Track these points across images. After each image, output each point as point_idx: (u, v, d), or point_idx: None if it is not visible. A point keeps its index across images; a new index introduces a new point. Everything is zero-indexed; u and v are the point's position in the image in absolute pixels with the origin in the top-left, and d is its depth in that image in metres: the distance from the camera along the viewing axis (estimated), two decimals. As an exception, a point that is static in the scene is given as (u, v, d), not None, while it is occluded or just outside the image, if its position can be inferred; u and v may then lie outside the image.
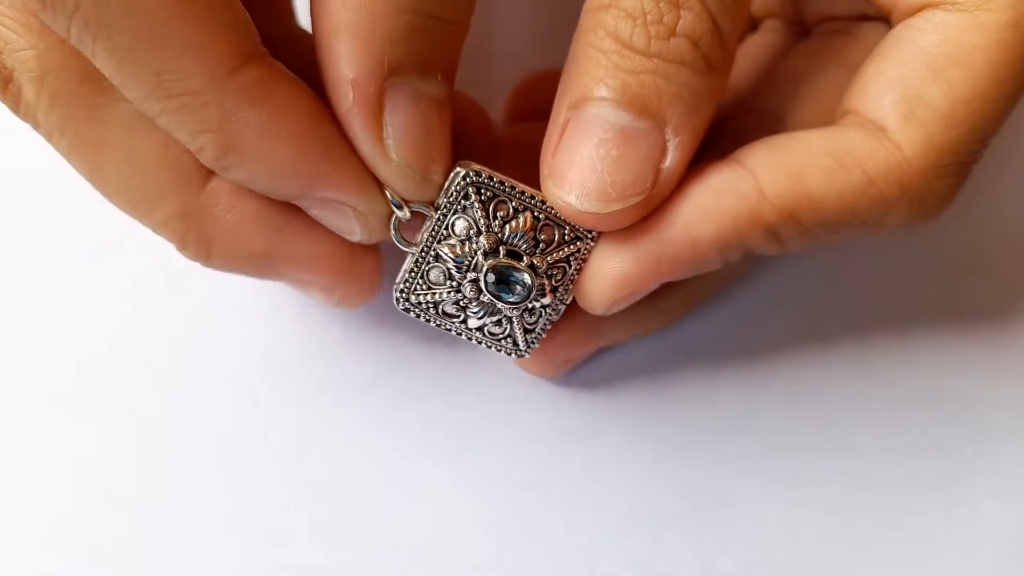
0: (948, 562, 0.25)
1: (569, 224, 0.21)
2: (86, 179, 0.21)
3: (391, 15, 0.18)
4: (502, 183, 0.20)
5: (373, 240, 0.21)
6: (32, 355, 0.26)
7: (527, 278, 0.21)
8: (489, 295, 0.21)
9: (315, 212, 0.21)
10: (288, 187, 0.20)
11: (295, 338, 0.27)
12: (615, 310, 0.21)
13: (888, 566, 0.25)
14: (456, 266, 0.21)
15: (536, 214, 0.21)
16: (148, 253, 0.27)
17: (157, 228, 0.22)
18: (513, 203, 0.21)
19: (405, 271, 0.21)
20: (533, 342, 0.22)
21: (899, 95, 0.20)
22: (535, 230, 0.21)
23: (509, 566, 0.25)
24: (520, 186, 0.21)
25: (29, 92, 0.20)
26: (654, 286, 0.21)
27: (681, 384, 0.27)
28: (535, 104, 0.27)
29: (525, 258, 0.21)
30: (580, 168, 0.19)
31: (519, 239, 0.21)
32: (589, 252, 0.21)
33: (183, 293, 0.27)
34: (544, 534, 0.25)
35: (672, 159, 0.20)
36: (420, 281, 0.21)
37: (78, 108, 0.20)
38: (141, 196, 0.21)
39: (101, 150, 0.20)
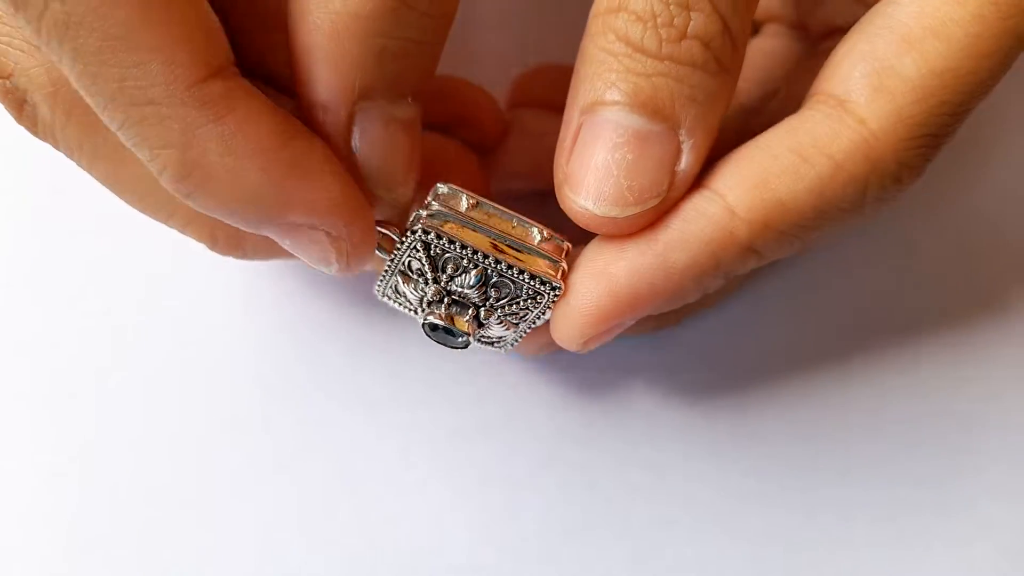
0: (944, 561, 0.25)
1: (529, 283, 0.20)
2: (109, 190, 0.21)
3: (362, 40, 0.18)
4: (452, 242, 0.20)
5: (351, 271, 0.20)
6: (28, 353, 0.26)
7: (461, 339, 0.21)
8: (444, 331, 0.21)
9: (287, 243, 0.20)
10: (256, 211, 0.19)
11: (292, 338, 0.27)
12: (591, 347, 0.21)
13: (884, 565, 0.25)
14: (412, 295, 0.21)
15: (488, 271, 0.20)
16: (145, 253, 0.27)
17: (183, 228, 0.21)
18: (464, 261, 0.20)
19: (382, 273, 0.21)
20: (513, 343, 0.22)
21: (870, 67, 0.19)
22: (486, 285, 0.21)
23: (505, 567, 0.25)
24: (473, 244, 0.20)
25: (44, 109, 0.20)
26: (631, 321, 0.21)
27: (678, 387, 0.27)
28: (537, 94, 0.27)
29: (472, 308, 0.21)
30: (596, 173, 0.19)
31: (467, 290, 0.21)
32: (554, 303, 0.21)
33: (181, 289, 0.27)
34: (541, 536, 0.25)
35: (687, 161, 0.19)
36: (390, 289, 0.22)
37: (92, 120, 0.20)
38: (164, 200, 0.21)
39: (119, 160, 0.20)
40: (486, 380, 0.26)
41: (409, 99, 0.19)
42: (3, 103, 0.20)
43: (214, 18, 0.18)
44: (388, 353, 0.26)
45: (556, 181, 0.20)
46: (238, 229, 0.21)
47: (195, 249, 0.22)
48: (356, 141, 0.19)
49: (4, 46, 0.19)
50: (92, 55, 0.17)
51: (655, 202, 0.20)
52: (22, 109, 0.20)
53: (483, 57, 0.29)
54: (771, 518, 0.25)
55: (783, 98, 0.25)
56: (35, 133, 0.20)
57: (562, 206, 0.20)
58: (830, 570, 0.25)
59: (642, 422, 0.26)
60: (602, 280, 0.20)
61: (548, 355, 0.26)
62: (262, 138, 0.18)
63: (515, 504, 0.25)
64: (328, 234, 0.19)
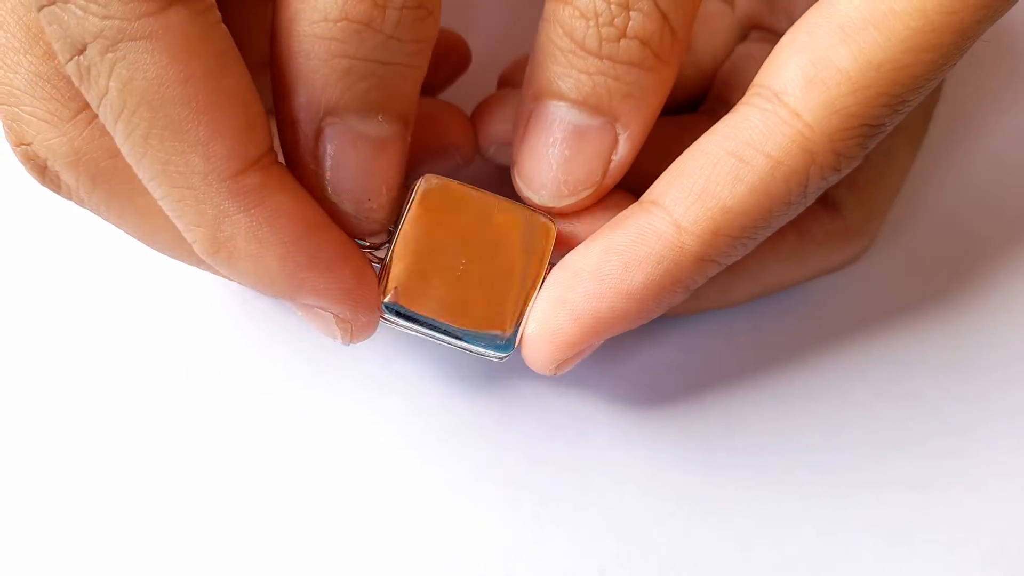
0: (930, 561, 0.25)
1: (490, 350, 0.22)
2: (140, 241, 0.22)
3: (326, 60, 0.19)
4: (417, 318, 0.21)
5: (353, 342, 0.22)
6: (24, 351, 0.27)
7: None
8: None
9: (299, 313, 0.22)
10: (273, 291, 0.20)
11: (284, 334, 0.27)
12: (563, 371, 0.22)
13: (870, 566, 0.25)
14: None
15: (453, 340, 0.21)
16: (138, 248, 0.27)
17: (214, 266, 0.22)
18: (432, 332, 0.21)
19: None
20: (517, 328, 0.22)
21: (806, 59, 0.19)
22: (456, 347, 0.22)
23: (497, 564, 0.25)
24: (438, 320, 0.21)
25: (68, 177, 0.21)
26: (599, 342, 0.21)
27: (673, 385, 0.27)
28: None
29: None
30: (539, 167, 0.21)
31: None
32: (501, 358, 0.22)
33: (174, 284, 0.28)
34: (533, 533, 0.25)
35: (622, 151, 0.21)
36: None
37: (118, 183, 0.21)
38: (189, 248, 0.21)
39: (150, 215, 0.21)
40: (478, 376, 0.27)
41: (381, 117, 0.20)
42: (25, 167, 0.21)
43: (259, 106, 0.19)
44: (378, 349, 0.27)
45: (511, 162, 0.22)
46: (264, 278, 0.21)
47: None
48: (324, 163, 0.20)
49: (27, 116, 0.20)
50: (140, 138, 0.18)
51: (589, 192, 0.21)
52: (44, 174, 0.21)
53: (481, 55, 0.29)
54: (763, 515, 0.25)
55: None
56: (59, 194, 0.22)
57: (514, 185, 0.22)
58: (820, 567, 0.25)
59: (636, 418, 0.26)
60: (563, 308, 0.21)
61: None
62: (285, 231, 0.19)
63: (507, 501, 0.25)
64: (336, 316, 0.21)
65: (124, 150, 0.19)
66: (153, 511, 0.25)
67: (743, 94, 0.25)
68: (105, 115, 0.18)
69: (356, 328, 0.21)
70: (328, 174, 0.20)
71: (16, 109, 0.20)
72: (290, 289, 0.20)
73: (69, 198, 0.22)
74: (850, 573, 0.25)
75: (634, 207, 0.21)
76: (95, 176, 0.21)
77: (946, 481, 0.26)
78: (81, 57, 0.18)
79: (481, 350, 0.21)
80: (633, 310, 0.20)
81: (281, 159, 0.20)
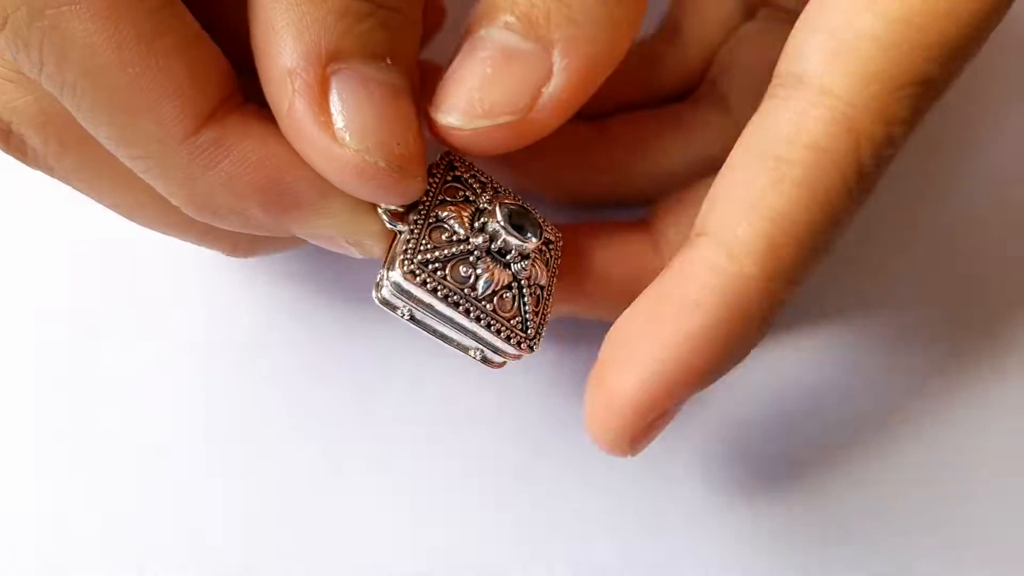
0: (936, 560, 0.25)
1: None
2: (117, 213, 0.21)
3: (322, 2, 0.17)
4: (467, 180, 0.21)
5: (374, 255, 0.20)
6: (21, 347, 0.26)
7: (539, 219, 0.20)
8: (505, 233, 0.20)
9: (317, 243, 0.20)
10: (272, 231, 0.19)
11: (281, 328, 0.27)
12: (641, 448, 0.19)
13: (876, 564, 0.25)
14: (462, 219, 0.20)
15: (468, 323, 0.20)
16: (133, 244, 0.27)
17: (199, 241, 0.21)
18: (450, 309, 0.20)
19: (405, 240, 0.20)
20: (541, 327, 0.21)
21: (825, 34, 0.17)
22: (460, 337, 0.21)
23: (494, 559, 0.24)
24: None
25: (35, 140, 0.19)
26: (677, 407, 0.19)
27: None
28: None
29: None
30: (456, 86, 0.19)
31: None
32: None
33: (170, 279, 0.27)
34: (531, 529, 0.25)
35: (556, 83, 0.19)
36: (424, 242, 0.20)
37: (91, 146, 0.19)
38: (175, 216, 0.20)
39: (127, 182, 0.20)
40: (476, 369, 0.25)
41: (388, 62, 0.18)
42: None
43: (209, 53, 0.18)
44: (376, 341, 0.26)
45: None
46: (255, 238, 0.21)
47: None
48: (336, 112, 0.18)
49: None
50: (87, 110, 0.17)
51: (507, 119, 0.19)
52: (8, 139, 0.19)
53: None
54: (762, 512, 0.25)
55: None
56: (25, 163, 0.20)
57: (428, 122, 0.20)
58: (821, 566, 0.25)
59: None
60: (624, 373, 0.18)
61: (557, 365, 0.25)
62: (260, 178, 0.18)
63: (504, 496, 0.25)
64: (344, 239, 0.20)
65: (80, 121, 0.18)
66: (152, 508, 0.25)
67: (739, 79, 0.24)
68: (50, 88, 0.17)
69: (367, 242, 0.20)
70: (343, 124, 0.18)
71: None
72: (289, 226, 0.19)
73: (36, 166, 0.20)
74: (851, 572, 0.25)
75: (684, 244, 0.19)
76: (65, 139, 0.19)
77: (951, 479, 0.25)
78: (7, 30, 0.16)
79: (497, 342, 0.20)
80: (704, 358, 0.18)
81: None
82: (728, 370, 0.18)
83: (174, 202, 0.18)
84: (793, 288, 0.18)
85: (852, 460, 0.26)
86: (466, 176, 0.21)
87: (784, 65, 0.18)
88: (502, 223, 0.20)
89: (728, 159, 0.18)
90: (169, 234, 0.21)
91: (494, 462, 0.25)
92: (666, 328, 0.17)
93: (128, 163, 0.18)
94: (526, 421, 0.26)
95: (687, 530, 0.25)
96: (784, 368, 0.26)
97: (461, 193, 0.21)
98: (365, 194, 0.18)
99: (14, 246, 0.28)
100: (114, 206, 0.21)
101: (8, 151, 0.20)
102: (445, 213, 0.20)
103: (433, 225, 0.20)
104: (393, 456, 0.25)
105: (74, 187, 0.20)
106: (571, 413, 0.26)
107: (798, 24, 0.18)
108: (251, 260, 0.27)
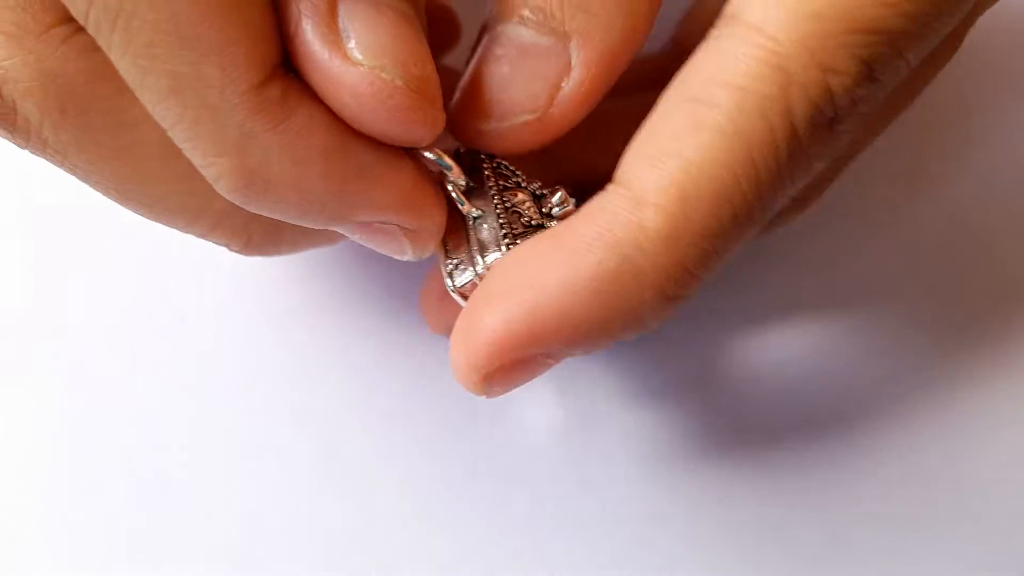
0: (935, 558, 0.23)
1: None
2: (112, 197, 0.19)
3: None
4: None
5: (425, 256, 0.19)
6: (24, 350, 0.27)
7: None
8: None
9: (356, 236, 0.18)
10: (324, 214, 0.17)
11: (278, 326, 0.27)
12: (496, 391, 0.17)
13: (875, 562, 0.24)
14: (533, 204, 0.20)
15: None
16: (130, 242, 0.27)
17: (208, 234, 0.19)
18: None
19: (498, 223, 0.19)
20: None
21: None
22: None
23: (493, 562, 0.24)
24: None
25: (29, 107, 0.17)
26: (544, 359, 0.17)
27: (671, 380, 0.26)
28: None
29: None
30: (471, 90, 0.18)
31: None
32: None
33: (170, 287, 0.27)
34: (531, 531, 0.24)
35: (575, 77, 0.18)
36: (515, 226, 0.19)
37: (96, 114, 0.17)
38: (186, 200, 0.19)
39: (135, 158, 0.18)
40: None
41: None
42: None
43: (269, 8, 0.16)
44: (374, 341, 0.26)
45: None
46: (275, 227, 0.19)
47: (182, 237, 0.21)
48: (347, 32, 0.16)
49: None
50: (143, 48, 0.15)
51: (528, 117, 0.18)
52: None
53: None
54: (764, 513, 0.24)
55: None
56: (12, 135, 0.17)
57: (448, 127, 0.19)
58: (823, 566, 0.24)
59: (635, 415, 0.25)
60: (496, 304, 0.17)
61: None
62: (323, 143, 0.16)
63: (504, 498, 0.25)
64: (400, 227, 0.18)
65: (123, 67, 0.15)
66: (152, 508, 0.25)
67: None
68: (97, 24, 0.15)
69: (425, 235, 0.18)
70: (354, 41, 0.16)
71: None
72: (343, 208, 0.17)
73: (25, 140, 0.17)
74: (851, 572, 0.24)
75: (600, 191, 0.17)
76: (66, 105, 0.17)
77: (953, 477, 0.25)
78: None
79: None
80: (582, 311, 0.16)
81: None
82: (613, 338, 0.17)
83: (212, 173, 0.16)
84: (706, 258, 0.16)
85: (854, 460, 0.25)
86: (500, 164, 0.20)
87: (724, 10, 0.16)
88: (575, 205, 0.19)
89: (659, 103, 0.17)
90: (174, 224, 0.19)
91: (491, 463, 0.25)
92: (549, 269, 0.16)
93: (170, 119, 0.16)
94: (524, 422, 0.25)
95: (688, 530, 0.24)
96: (784, 368, 0.26)
97: (512, 180, 0.20)
98: (385, 126, 0.17)
99: (14, 246, 0.28)
100: (115, 188, 0.18)
101: (8, 122, 0.17)
102: (518, 197, 0.19)
103: (511, 209, 0.19)
104: (393, 456, 0.25)
105: (68, 166, 0.18)
106: (570, 415, 0.25)
107: None
108: (252, 260, 0.26)
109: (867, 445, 0.25)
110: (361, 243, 0.19)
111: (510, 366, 0.17)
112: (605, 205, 0.16)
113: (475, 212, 0.19)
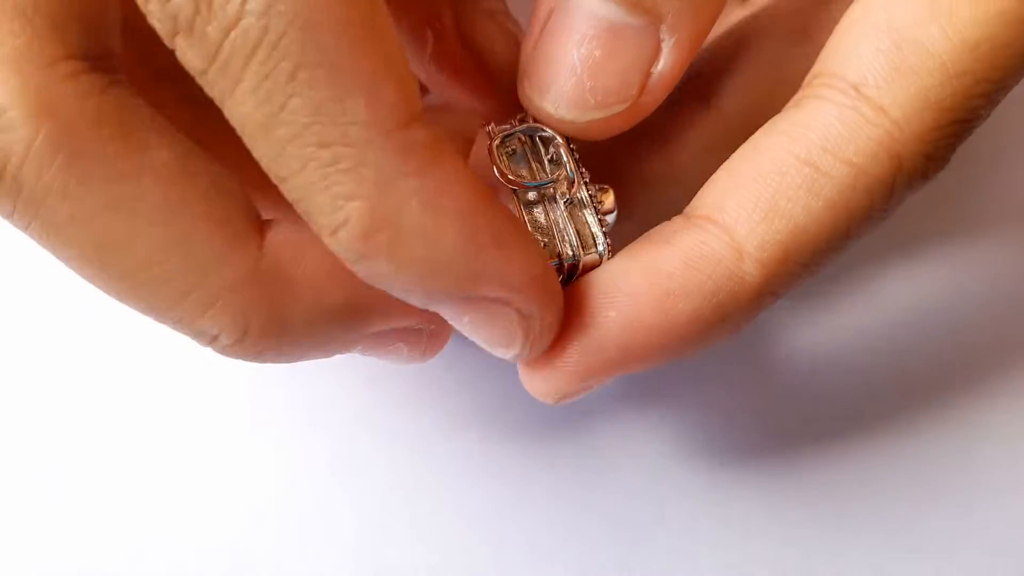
0: (936, 560, 0.24)
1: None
2: (88, 266, 0.16)
3: None
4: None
5: (532, 355, 0.17)
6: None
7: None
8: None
9: (465, 320, 0.16)
10: (445, 281, 0.15)
11: None
12: (565, 402, 0.18)
13: (876, 563, 0.24)
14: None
15: None
16: None
17: (203, 312, 0.16)
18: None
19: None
20: None
21: (886, 40, 0.16)
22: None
23: (493, 564, 0.24)
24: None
25: (12, 139, 0.15)
26: (610, 379, 0.18)
27: (673, 382, 0.25)
28: None
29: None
30: (558, 69, 0.17)
31: None
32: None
33: None
34: (531, 534, 0.24)
35: (665, 62, 0.17)
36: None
37: (95, 157, 0.15)
38: (180, 270, 0.16)
39: (126, 212, 0.15)
40: (476, 371, 0.25)
41: None
42: None
43: (407, 57, 0.15)
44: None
45: (519, 74, 0.18)
46: (280, 318, 0.17)
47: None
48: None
49: None
50: (283, 79, 0.13)
51: (621, 107, 0.17)
52: None
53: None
54: (765, 515, 0.24)
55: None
56: None
57: (521, 101, 0.18)
58: (822, 567, 0.24)
59: (636, 417, 0.25)
60: (587, 334, 0.17)
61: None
62: (467, 198, 0.15)
63: (504, 501, 0.24)
64: (519, 312, 0.16)
65: (250, 103, 0.14)
66: (152, 510, 0.24)
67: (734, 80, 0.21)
68: (230, 54, 0.13)
69: (541, 329, 0.17)
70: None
71: None
72: (470, 276, 0.15)
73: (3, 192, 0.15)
74: (855, 569, 0.24)
75: (681, 219, 0.17)
76: (60, 143, 0.15)
77: (954, 479, 0.25)
78: None
79: None
80: (669, 347, 0.17)
81: None
82: (671, 360, 0.18)
83: (335, 219, 0.14)
84: (771, 303, 0.17)
85: (855, 461, 0.25)
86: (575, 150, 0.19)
87: (835, 63, 0.16)
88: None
89: (755, 141, 0.17)
90: (154, 302, 0.16)
91: (491, 466, 0.25)
92: (649, 310, 0.17)
93: (299, 162, 0.14)
94: (525, 425, 0.25)
95: (688, 531, 0.24)
96: (785, 368, 0.26)
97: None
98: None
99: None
100: (93, 252, 0.16)
101: None
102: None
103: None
104: (392, 456, 0.25)
105: (40, 223, 0.15)
106: (570, 417, 0.25)
107: (855, 13, 0.17)
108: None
109: (861, 445, 0.25)
110: (466, 329, 0.17)
111: (588, 389, 0.18)
112: (706, 250, 0.17)
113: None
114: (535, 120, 0.18)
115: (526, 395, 0.24)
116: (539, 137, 0.19)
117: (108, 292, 0.16)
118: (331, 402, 0.25)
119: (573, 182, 0.18)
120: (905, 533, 0.24)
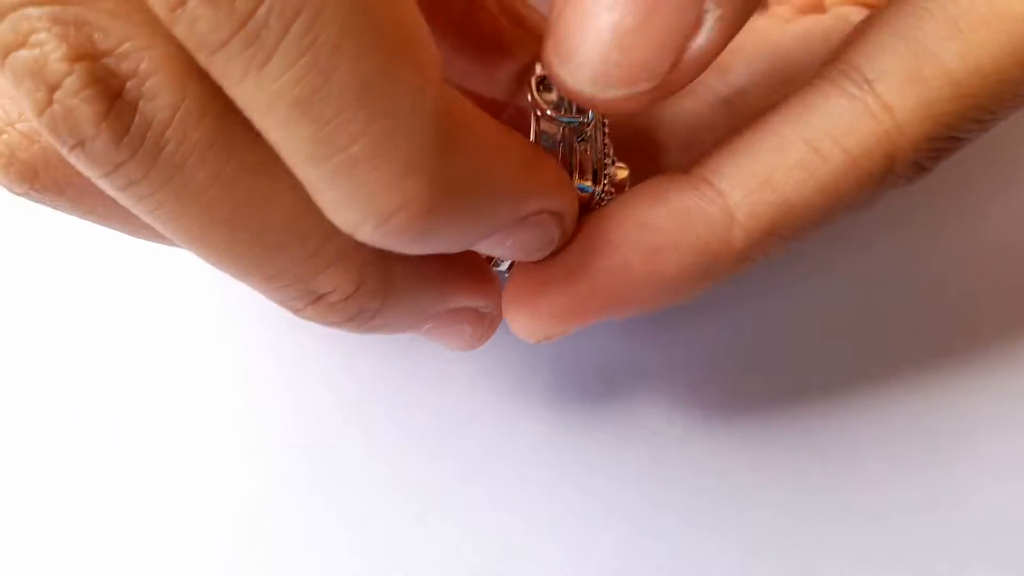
0: (933, 555, 0.24)
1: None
2: (220, 227, 0.15)
3: None
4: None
5: (562, 243, 0.18)
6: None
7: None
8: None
9: (515, 237, 0.16)
10: (500, 221, 0.16)
11: (284, 328, 0.26)
12: (545, 342, 0.18)
13: (873, 559, 0.24)
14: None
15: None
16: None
17: (325, 268, 0.16)
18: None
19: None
20: None
21: (907, 46, 0.16)
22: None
23: (490, 563, 0.24)
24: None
25: (165, 99, 0.13)
26: (597, 321, 0.18)
27: (671, 379, 0.26)
28: None
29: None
30: (583, 34, 0.15)
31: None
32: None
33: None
34: (528, 533, 0.24)
35: (706, 37, 0.15)
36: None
37: (245, 120, 0.14)
38: (320, 228, 0.15)
39: (271, 176, 0.15)
40: (471, 368, 0.25)
41: None
42: (81, 98, 0.13)
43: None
44: (374, 340, 0.25)
45: (544, 36, 0.16)
46: (389, 275, 0.17)
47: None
48: None
49: (105, 14, 0.13)
50: (327, 49, 0.12)
51: (650, 84, 0.15)
52: (112, 104, 0.13)
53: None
54: (765, 514, 0.24)
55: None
56: (118, 141, 0.13)
57: (542, 65, 0.17)
58: (822, 564, 0.24)
59: (634, 415, 0.25)
60: (578, 280, 0.17)
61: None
62: (520, 147, 0.16)
63: (500, 499, 0.24)
64: (555, 215, 0.17)
65: (285, 79, 0.12)
66: (153, 509, 0.24)
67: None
68: (264, 23, 0.12)
69: (569, 219, 0.17)
70: None
71: (79, 8, 0.13)
72: (518, 200, 0.16)
73: (135, 148, 0.14)
74: (854, 569, 0.24)
75: (679, 178, 0.18)
76: (207, 107, 0.14)
77: (953, 480, 0.25)
78: None
79: None
80: (651, 298, 0.18)
81: None
82: (650, 311, 0.18)
83: (393, 202, 0.13)
84: (748, 268, 0.18)
85: (856, 461, 0.25)
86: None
87: (856, 56, 0.17)
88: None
89: (764, 118, 0.17)
90: (276, 261, 0.16)
91: (488, 463, 0.25)
92: (639, 261, 0.17)
93: (342, 142, 0.13)
94: (522, 422, 0.25)
95: (687, 531, 0.24)
96: (784, 367, 0.26)
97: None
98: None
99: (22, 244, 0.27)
100: (229, 209, 0.15)
101: (105, 126, 0.13)
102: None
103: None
104: (391, 456, 0.25)
105: (173, 191, 0.14)
106: (568, 414, 0.25)
107: (883, 16, 0.17)
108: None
109: (861, 441, 0.25)
110: (515, 245, 0.17)
111: (570, 330, 0.18)
112: (700, 211, 0.17)
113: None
114: (555, 84, 0.17)
115: (520, 392, 0.25)
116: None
117: (222, 258, 0.15)
118: (330, 402, 0.25)
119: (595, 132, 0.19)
120: (911, 533, 0.24)
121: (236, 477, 0.25)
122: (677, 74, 0.15)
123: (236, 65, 0.12)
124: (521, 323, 0.18)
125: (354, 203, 0.13)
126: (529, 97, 0.18)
